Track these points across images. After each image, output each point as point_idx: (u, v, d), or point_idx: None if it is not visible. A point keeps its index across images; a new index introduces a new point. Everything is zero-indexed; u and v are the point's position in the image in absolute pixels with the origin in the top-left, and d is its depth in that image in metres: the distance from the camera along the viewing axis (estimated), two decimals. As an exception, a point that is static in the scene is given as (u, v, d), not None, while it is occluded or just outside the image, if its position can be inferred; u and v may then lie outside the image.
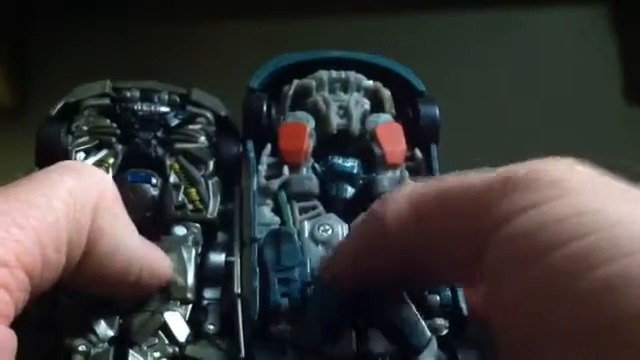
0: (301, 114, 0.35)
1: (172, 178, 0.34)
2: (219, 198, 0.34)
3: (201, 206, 0.33)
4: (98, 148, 0.34)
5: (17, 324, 0.24)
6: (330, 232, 0.32)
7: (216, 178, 0.34)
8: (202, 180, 0.34)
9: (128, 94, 0.35)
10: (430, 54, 0.77)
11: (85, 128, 0.34)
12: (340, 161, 0.34)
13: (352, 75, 0.36)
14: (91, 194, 0.27)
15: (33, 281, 0.24)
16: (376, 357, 0.29)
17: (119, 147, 0.34)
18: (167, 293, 0.31)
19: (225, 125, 0.36)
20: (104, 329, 0.30)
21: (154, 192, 0.33)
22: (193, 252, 0.32)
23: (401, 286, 0.29)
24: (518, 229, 0.22)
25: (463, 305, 0.30)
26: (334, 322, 0.30)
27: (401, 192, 0.27)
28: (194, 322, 0.31)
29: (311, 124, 0.35)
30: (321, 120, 0.35)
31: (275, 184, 0.33)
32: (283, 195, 0.33)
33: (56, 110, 0.35)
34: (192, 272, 0.31)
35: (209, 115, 0.35)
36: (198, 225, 0.33)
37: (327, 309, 0.30)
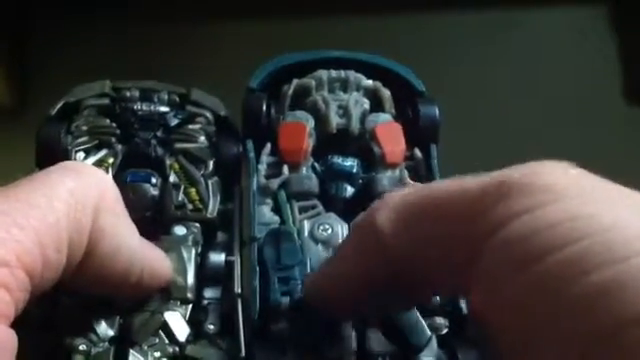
0: (301, 114, 0.35)
1: (172, 178, 0.34)
2: (219, 198, 0.34)
3: (201, 206, 0.33)
4: (98, 148, 0.34)
5: (17, 324, 0.24)
6: (330, 231, 0.32)
7: (216, 178, 0.34)
8: (202, 180, 0.34)
9: (128, 94, 0.35)
10: (430, 54, 0.77)
11: (85, 128, 0.34)
12: (340, 160, 0.34)
13: (352, 75, 0.36)
14: (92, 194, 0.27)
15: (33, 281, 0.24)
16: (376, 357, 0.29)
17: (119, 147, 0.34)
18: (167, 293, 0.31)
19: (225, 125, 0.36)
20: (104, 329, 0.30)
21: (154, 192, 0.33)
22: (193, 252, 0.32)
23: (393, 307, 0.29)
24: (513, 234, 0.22)
25: (463, 304, 0.30)
26: (334, 322, 0.30)
27: (391, 200, 0.26)
28: (194, 322, 0.31)
29: (311, 123, 0.35)
30: (321, 120, 0.35)
31: (275, 183, 0.33)
32: (283, 194, 0.33)
33: (56, 110, 0.35)
34: (192, 272, 0.31)
35: (209, 115, 0.35)
36: (198, 225, 0.33)
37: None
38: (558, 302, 0.20)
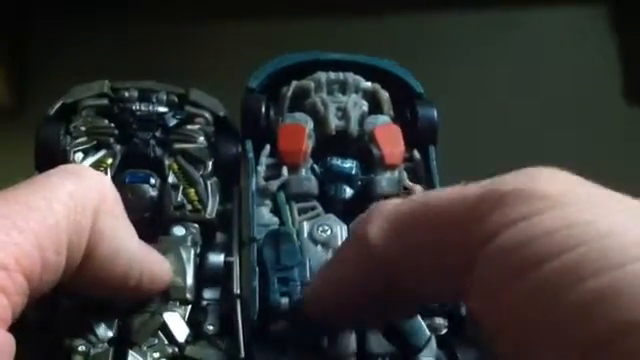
0: (300, 115, 0.35)
1: (171, 178, 0.34)
2: (218, 198, 0.34)
3: (200, 206, 0.33)
4: (96, 148, 0.34)
5: (16, 326, 0.24)
6: (329, 232, 0.32)
7: (215, 178, 0.34)
8: (201, 180, 0.34)
9: (126, 94, 0.35)
10: (430, 54, 0.77)
11: (83, 128, 0.34)
12: (339, 162, 0.34)
13: (350, 76, 0.36)
14: (92, 197, 0.27)
15: (32, 284, 0.24)
16: (376, 357, 0.29)
17: (117, 147, 0.34)
18: (166, 294, 0.31)
19: (224, 125, 0.36)
20: (104, 330, 0.30)
21: (153, 192, 0.33)
22: (192, 252, 0.32)
23: (385, 315, 0.29)
24: (508, 242, 0.22)
25: (462, 305, 0.30)
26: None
27: (384, 209, 0.26)
28: (193, 322, 0.31)
29: (310, 125, 0.35)
30: (319, 121, 0.35)
31: (274, 185, 0.33)
32: (282, 196, 0.33)
33: (54, 110, 0.35)
34: (191, 272, 0.31)
35: (207, 115, 0.35)
36: (197, 225, 0.33)
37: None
38: (555, 309, 0.20)
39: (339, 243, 0.32)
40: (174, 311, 0.31)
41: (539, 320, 0.20)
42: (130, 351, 0.29)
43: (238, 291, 0.31)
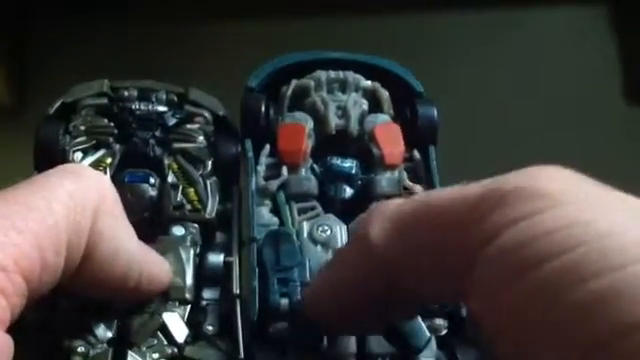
0: (299, 115, 0.35)
1: (170, 178, 0.33)
2: (217, 198, 0.34)
3: (199, 206, 0.33)
4: (96, 148, 0.34)
5: (15, 327, 0.24)
6: (329, 232, 0.32)
7: (214, 178, 0.34)
8: (200, 180, 0.34)
9: (126, 93, 0.35)
10: (430, 54, 0.77)
11: (82, 128, 0.34)
12: (339, 162, 0.34)
13: (350, 75, 0.36)
14: (91, 197, 0.27)
15: (31, 285, 0.24)
16: (376, 358, 0.29)
17: (117, 147, 0.34)
18: (166, 294, 0.31)
19: (223, 125, 0.35)
20: (103, 330, 0.30)
21: (152, 192, 0.33)
22: (191, 252, 0.32)
23: (385, 317, 0.29)
24: (508, 242, 0.22)
25: (462, 305, 0.30)
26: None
27: (386, 209, 0.26)
28: (193, 323, 0.31)
29: (309, 125, 0.35)
30: (319, 120, 0.35)
31: (274, 185, 0.33)
32: (282, 196, 0.33)
33: (54, 110, 0.35)
34: (191, 272, 0.31)
35: (207, 115, 0.35)
36: (196, 225, 0.33)
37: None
38: (555, 309, 0.20)
39: (339, 243, 0.32)
40: (173, 311, 0.30)
41: (539, 320, 0.20)
42: (129, 352, 0.29)
43: (238, 291, 0.31)
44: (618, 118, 0.77)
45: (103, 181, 0.28)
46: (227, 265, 0.32)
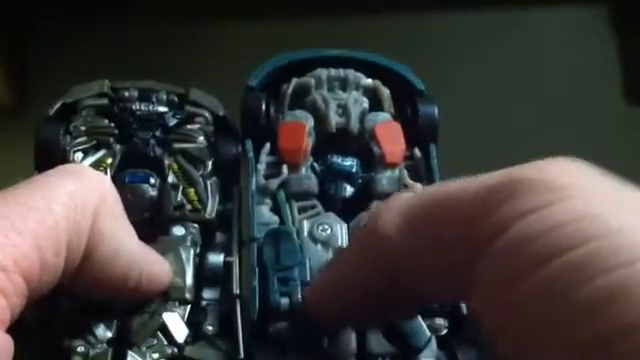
0: (300, 113, 0.35)
1: (170, 178, 0.33)
2: (217, 198, 0.34)
3: (199, 206, 0.33)
4: (96, 148, 0.34)
5: (15, 327, 0.24)
6: (329, 231, 0.32)
7: (214, 178, 0.34)
8: (200, 180, 0.34)
9: (126, 94, 0.35)
10: (430, 54, 0.77)
11: (83, 128, 0.34)
12: (339, 160, 0.34)
13: (351, 73, 0.36)
14: (92, 197, 0.27)
15: (31, 285, 0.24)
16: (376, 358, 0.29)
17: (117, 147, 0.34)
18: (166, 294, 0.31)
19: (223, 125, 0.35)
20: (103, 330, 0.30)
21: (152, 192, 0.33)
22: (191, 252, 0.32)
23: (386, 316, 0.29)
24: (517, 236, 0.21)
25: (462, 304, 0.30)
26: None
27: (395, 203, 0.26)
28: (193, 323, 0.31)
29: (310, 123, 0.35)
30: (320, 119, 0.35)
31: (274, 183, 0.33)
32: (282, 194, 0.33)
33: (54, 110, 0.35)
34: (191, 272, 0.31)
35: (207, 115, 0.35)
36: (196, 225, 0.33)
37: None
38: (561, 307, 0.20)
39: (339, 242, 0.32)
40: (173, 311, 0.30)
41: (544, 318, 0.20)
42: (129, 352, 0.29)
43: (238, 291, 0.31)
44: (618, 118, 0.77)
45: (104, 181, 0.28)
46: (227, 265, 0.32)
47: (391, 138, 0.34)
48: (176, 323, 0.30)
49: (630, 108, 0.78)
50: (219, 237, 0.33)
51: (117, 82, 0.36)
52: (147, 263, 0.29)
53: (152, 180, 0.33)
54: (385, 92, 0.36)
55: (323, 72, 0.35)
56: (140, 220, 0.31)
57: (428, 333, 0.29)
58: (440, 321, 0.30)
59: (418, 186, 0.34)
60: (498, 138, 0.73)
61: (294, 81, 0.36)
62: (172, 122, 0.35)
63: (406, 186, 0.34)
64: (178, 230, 0.32)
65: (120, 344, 0.29)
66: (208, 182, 0.34)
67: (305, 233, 0.32)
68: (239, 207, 0.34)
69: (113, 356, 0.29)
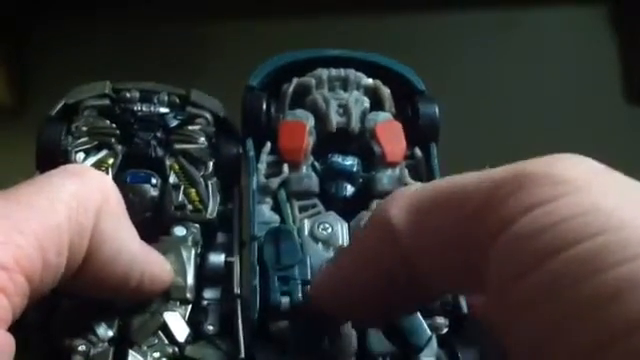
0: (300, 112, 0.35)
1: (172, 178, 0.34)
2: (218, 199, 0.34)
3: (201, 206, 0.33)
4: (98, 149, 0.34)
5: (16, 327, 0.24)
6: (330, 230, 0.32)
7: (215, 179, 0.34)
8: (202, 180, 0.34)
9: (127, 95, 0.35)
10: (430, 54, 0.77)
11: (84, 129, 0.34)
12: (340, 159, 0.34)
13: (352, 73, 0.36)
14: (94, 198, 0.27)
15: (33, 285, 0.24)
16: (376, 357, 0.29)
17: (119, 148, 0.34)
18: (167, 293, 0.31)
19: (224, 126, 0.36)
20: (104, 329, 0.30)
21: (154, 192, 0.33)
22: (193, 252, 0.32)
23: (397, 311, 0.29)
24: (524, 229, 0.21)
25: (463, 303, 0.30)
26: (334, 322, 0.30)
27: (405, 195, 0.26)
28: (194, 322, 0.31)
29: (311, 122, 0.35)
30: (321, 118, 0.35)
31: (275, 183, 0.33)
32: (283, 194, 0.33)
33: (55, 111, 0.35)
34: (192, 272, 0.31)
35: (208, 116, 0.35)
36: (197, 225, 0.33)
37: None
38: (568, 301, 0.19)
39: (340, 241, 0.32)
40: (174, 311, 0.30)
41: (554, 314, 0.20)
42: (130, 351, 0.29)
43: (238, 291, 0.31)
44: (618, 118, 0.77)
45: (106, 181, 0.28)
46: (228, 265, 0.32)
47: (392, 137, 0.34)
48: (177, 322, 0.30)
49: (630, 108, 0.78)
50: (220, 237, 0.33)
51: (119, 83, 0.36)
52: (149, 263, 0.29)
53: (153, 180, 0.33)
54: (386, 92, 0.36)
55: (324, 72, 0.36)
56: (141, 220, 0.31)
57: (429, 332, 0.29)
58: (441, 320, 0.30)
59: (418, 185, 0.33)
60: (498, 138, 0.73)
61: (295, 81, 0.36)
62: (173, 123, 0.35)
63: (407, 185, 0.34)
64: (179, 230, 0.33)
65: (121, 343, 0.29)
66: (209, 183, 0.34)
67: (306, 232, 0.32)
68: (240, 207, 0.34)
69: (114, 355, 0.29)
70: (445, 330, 0.30)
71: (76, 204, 0.26)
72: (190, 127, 0.35)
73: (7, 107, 0.79)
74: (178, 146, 0.34)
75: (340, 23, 0.80)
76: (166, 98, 0.36)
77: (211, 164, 0.34)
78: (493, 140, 0.73)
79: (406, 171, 0.34)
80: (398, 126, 0.35)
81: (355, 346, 0.29)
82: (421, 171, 0.34)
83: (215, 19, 0.81)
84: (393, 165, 0.34)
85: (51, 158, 0.33)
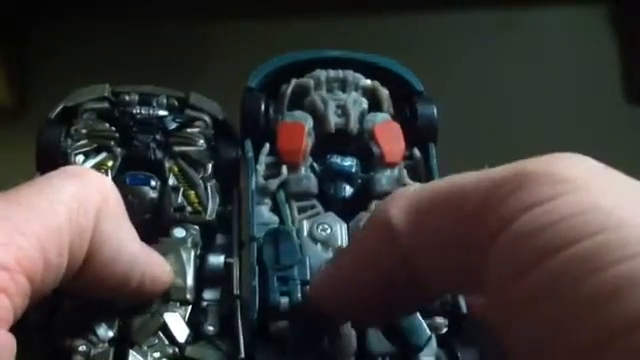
0: (299, 113, 0.35)
1: (171, 180, 0.34)
2: (218, 200, 0.34)
3: (200, 208, 0.33)
4: (97, 151, 0.34)
5: (17, 327, 0.24)
6: (329, 231, 0.32)
7: (214, 181, 0.34)
8: (201, 182, 0.34)
9: (127, 98, 0.35)
10: (430, 54, 0.77)
11: (84, 131, 0.34)
12: (338, 160, 0.34)
13: (350, 74, 0.36)
14: (94, 199, 0.27)
15: (34, 285, 0.24)
16: (376, 357, 0.29)
17: (118, 150, 0.34)
18: (167, 294, 0.31)
19: (223, 129, 0.36)
20: (104, 330, 0.30)
21: (153, 194, 0.33)
22: (192, 254, 0.32)
23: (397, 310, 0.29)
24: (523, 228, 0.21)
25: (462, 303, 0.30)
26: (334, 322, 0.30)
27: (405, 195, 0.26)
28: (194, 323, 0.31)
29: (309, 123, 0.35)
30: (319, 119, 0.35)
31: (274, 184, 0.33)
32: (282, 195, 0.33)
33: (55, 114, 0.35)
34: (191, 273, 0.31)
35: (207, 119, 0.35)
36: (197, 227, 0.33)
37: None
38: (568, 300, 0.19)
39: (339, 242, 0.32)
40: (174, 311, 0.31)
41: (554, 313, 0.20)
42: (131, 351, 0.29)
43: (238, 292, 0.31)
44: (618, 118, 0.77)
45: (105, 183, 0.28)
46: (227, 266, 0.32)
47: (390, 138, 0.34)
48: (177, 323, 0.30)
49: (630, 108, 0.78)
50: (219, 239, 0.33)
51: (118, 86, 0.36)
52: (149, 264, 0.29)
53: (153, 182, 0.33)
54: (384, 92, 0.36)
55: (322, 73, 0.36)
56: (141, 222, 0.31)
57: (428, 332, 0.30)
58: (440, 320, 0.31)
59: (417, 186, 0.34)
60: (498, 138, 0.73)
61: (293, 82, 0.36)
62: (172, 126, 0.35)
63: (405, 186, 0.34)
64: (179, 232, 0.33)
65: (121, 343, 0.30)
66: (208, 184, 0.34)
67: (305, 233, 0.32)
68: (239, 209, 0.34)
69: (114, 355, 0.29)
70: (444, 330, 0.30)
71: (76, 205, 0.26)
72: (189, 130, 0.35)
73: (7, 108, 0.79)
74: (177, 148, 0.34)
75: (340, 23, 0.80)
76: (165, 101, 0.36)
77: (210, 166, 0.34)
78: (493, 140, 0.73)
79: (405, 172, 0.34)
80: (397, 127, 0.35)
81: (355, 346, 0.29)
82: (420, 172, 0.34)
83: (215, 19, 0.81)
84: (392, 166, 0.34)
85: (51, 160, 0.33)
